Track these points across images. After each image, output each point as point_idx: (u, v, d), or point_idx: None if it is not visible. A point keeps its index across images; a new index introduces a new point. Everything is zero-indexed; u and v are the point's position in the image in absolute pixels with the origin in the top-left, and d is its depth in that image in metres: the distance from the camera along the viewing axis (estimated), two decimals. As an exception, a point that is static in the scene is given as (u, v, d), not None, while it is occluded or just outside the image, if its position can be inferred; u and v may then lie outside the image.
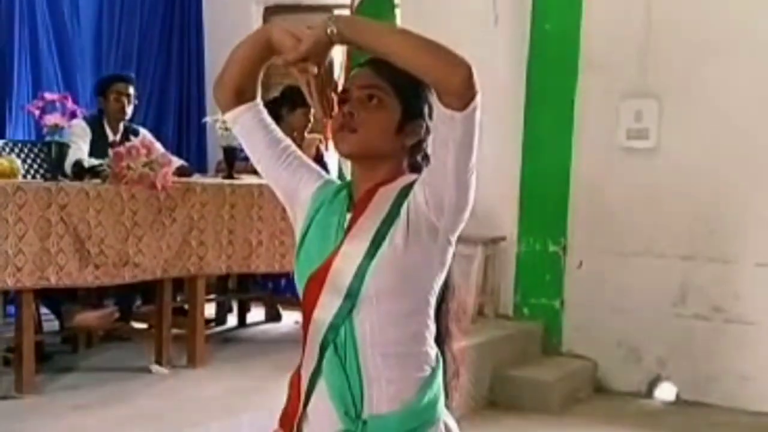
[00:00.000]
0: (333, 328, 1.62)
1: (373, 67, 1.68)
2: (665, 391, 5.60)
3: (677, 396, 5.55)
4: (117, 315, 4.67)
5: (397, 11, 5.99)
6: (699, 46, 5.47)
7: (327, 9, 6.96)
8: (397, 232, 1.60)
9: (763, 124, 5.33)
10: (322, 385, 1.65)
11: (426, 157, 1.71)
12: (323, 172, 1.80)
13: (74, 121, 4.92)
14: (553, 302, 5.98)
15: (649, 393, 5.63)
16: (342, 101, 1.67)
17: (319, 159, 5.64)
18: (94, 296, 4.64)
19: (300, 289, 1.69)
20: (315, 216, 1.71)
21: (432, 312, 1.67)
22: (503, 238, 6.13)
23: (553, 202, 5.98)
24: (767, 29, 5.30)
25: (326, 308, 1.63)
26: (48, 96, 4.79)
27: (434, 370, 1.66)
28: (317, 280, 1.64)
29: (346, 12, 6.06)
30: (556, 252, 5.97)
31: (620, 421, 5.13)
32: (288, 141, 1.80)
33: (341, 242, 1.64)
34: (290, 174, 1.77)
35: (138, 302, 5.03)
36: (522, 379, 5.34)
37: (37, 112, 4.67)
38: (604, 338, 5.77)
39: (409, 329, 1.63)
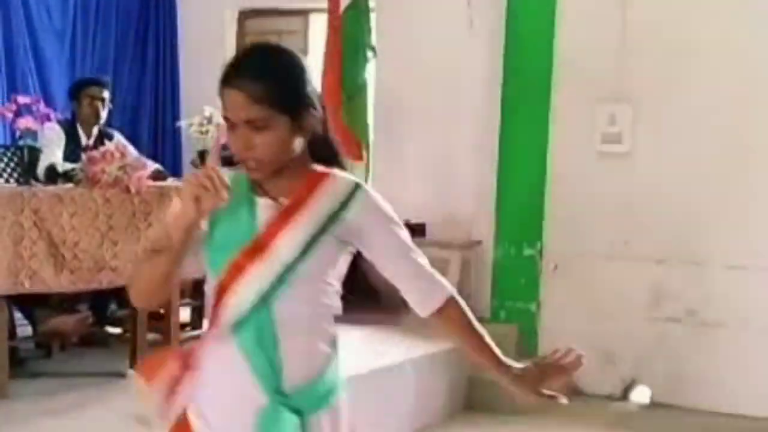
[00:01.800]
0: (259, 302, 1.74)
1: (247, 95, 1.70)
2: (640, 394, 5.63)
3: (651, 399, 5.59)
4: (91, 320, 4.64)
5: (373, 16, 6.00)
6: (673, 51, 5.51)
7: (302, 13, 6.97)
8: (328, 233, 1.77)
9: (734, 129, 5.38)
10: (238, 361, 1.74)
11: (327, 144, 1.88)
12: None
13: (47, 125, 4.89)
14: (529, 305, 6.00)
15: (623, 396, 5.66)
16: (231, 127, 1.74)
17: None
18: (68, 301, 4.61)
19: (219, 267, 1.76)
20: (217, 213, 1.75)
21: (335, 291, 1.84)
22: (479, 243, 6.15)
23: (528, 207, 6.00)
24: (740, 35, 5.35)
25: (257, 282, 1.74)
26: (21, 99, 4.76)
27: (336, 343, 1.87)
28: (249, 254, 1.74)
29: (324, 17, 6.05)
30: (532, 256, 5.99)
31: (595, 424, 5.14)
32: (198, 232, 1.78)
33: (275, 224, 1.75)
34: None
35: (113, 307, 4.99)
36: (497, 382, 5.34)
37: (9, 116, 4.63)
38: (579, 341, 5.72)
39: (318, 309, 1.81)
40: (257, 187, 1.79)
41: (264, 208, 1.78)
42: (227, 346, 1.76)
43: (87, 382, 4.14)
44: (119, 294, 4.71)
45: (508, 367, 1.89)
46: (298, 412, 1.76)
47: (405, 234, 1.89)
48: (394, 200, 6.68)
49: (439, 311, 1.88)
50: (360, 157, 5.69)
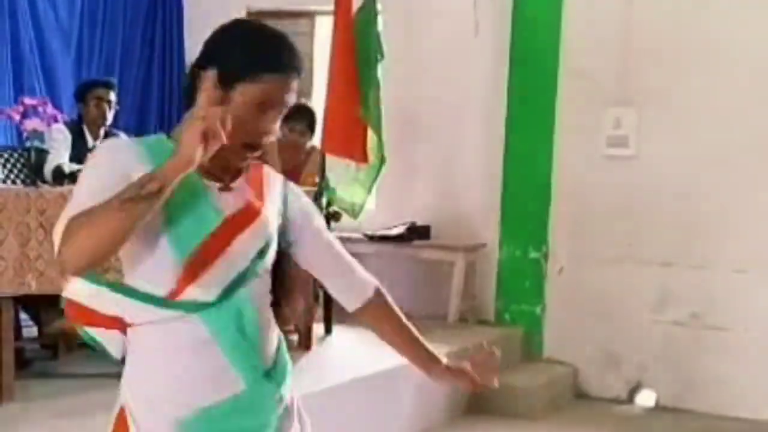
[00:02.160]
0: (224, 293, 1.68)
1: (294, 80, 1.72)
2: (645, 398, 5.63)
3: (657, 402, 5.59)
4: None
5: (380, 19, 5.99)
6: (678, 56, 5.52)
7: (309, 15, 6.98)
8: (277, 229, 1.80)
9: (740, 132, 5.39)
10: (213, 347, 1.67)
11: None
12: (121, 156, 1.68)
13: (54, 127, 4.90)
14: (534, 308, 6.00)
15: (629, 399, 5.67)
16: (264, 110, 1.70)
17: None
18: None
19: (182, 254, 1.64)
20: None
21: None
22: (484, 245, 6.15)
23: (533, 209, 6.01)
24: (744, 39, 5.36)
25: (223, 275, 1.68)
26: (28, 101, 4.78)
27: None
28: (214, 249, 1.66)
29: (330, 19, 6.06)
30: (537, 258, 5.99)
31: (601, 427, 5.15)
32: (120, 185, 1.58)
33: (239, 220, 1.70)
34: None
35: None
36: (503, 385, 5.25)
37: (17, 117, 4.65)
38: (585, 344, 5.80)
39: (268, 296, 1.81)
40: (205, 174, 1.69)
41: (219, 194, 1.71)
42: (191, 331, 1.66)
43: (93, 384, 4.14)
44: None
45: (439, 360, 1.93)
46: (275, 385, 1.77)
47: (330, 234, 1.93)
48: (400, 202, 6.72)
49: (367, 305, 1.91)
50: (365, 160, 5.65)
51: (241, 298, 1.70)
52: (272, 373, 1.76)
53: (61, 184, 4.38)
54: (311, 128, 5.61)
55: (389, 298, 1.94)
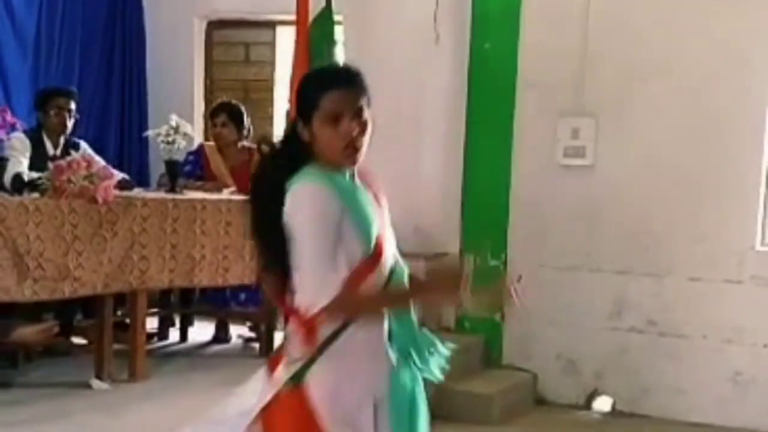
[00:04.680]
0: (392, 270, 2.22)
1: (357, 88, 2.20)
2: (602, 403, 5.70)
3: (613, 407, 5.67)
4: (57, 329, 4.60)
5: (338, 29, 6.03)
6: (634, 66, 5.62)
7: (270, 24, 7.00)
8: None
9: (695, 142, 5.49)
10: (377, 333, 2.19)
11: None
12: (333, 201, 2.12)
13: (13, 135, 4.87)
14: (493, 316, 6.05)
15: (587, 405, 5.74)
16: (335, 120, 2.12)
17: None
18: (33, 310, 4.58)
19: (373, 241, 2.15)
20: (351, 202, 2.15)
21: None
22: (445, 254, 6.19)
23: (493, 218, 6.06)
24: (701, 50, 5.46)
25: (385, 269, 2.20)
26: (-14, 109, 4.74)
27: None
28: (379, 250, 2.17)
29: (292, 29, 6.09)
30: (497, 266, 6.04)
31: (558, 432, 5.22)
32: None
33: (380, 213, 2.26)
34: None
35: (78, 316, 4.97)
36: (463, 392, 5.39)
37: (-25, 125, 4.61)
38: (544, 351, 5.86)
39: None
40: (352, 177, 2.22)
41: (368, 196, 2.23)
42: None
43: (52, 393, 4.12)
44: (85, 304, 4.71)
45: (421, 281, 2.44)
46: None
47: None
48: (360, 211, 6.52)
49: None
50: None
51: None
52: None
53: (20, 192, 4.35)
54: (234, 120, 5.65)
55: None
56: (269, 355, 4.85)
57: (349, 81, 2.19)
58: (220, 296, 5.59)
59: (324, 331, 2.08)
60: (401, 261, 2.26)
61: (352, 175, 2.21)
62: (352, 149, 2.15)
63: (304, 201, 2.08)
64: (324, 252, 2.07)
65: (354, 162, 2.18)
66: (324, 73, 2.32)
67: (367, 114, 2.18)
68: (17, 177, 4.59)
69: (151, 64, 7.14)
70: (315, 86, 2.17)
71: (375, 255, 2.13)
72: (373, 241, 2.13)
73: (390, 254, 2.20)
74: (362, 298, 2.12)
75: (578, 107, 5.76)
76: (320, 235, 2.07)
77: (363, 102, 2.18)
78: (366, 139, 2.18)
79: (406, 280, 2.24)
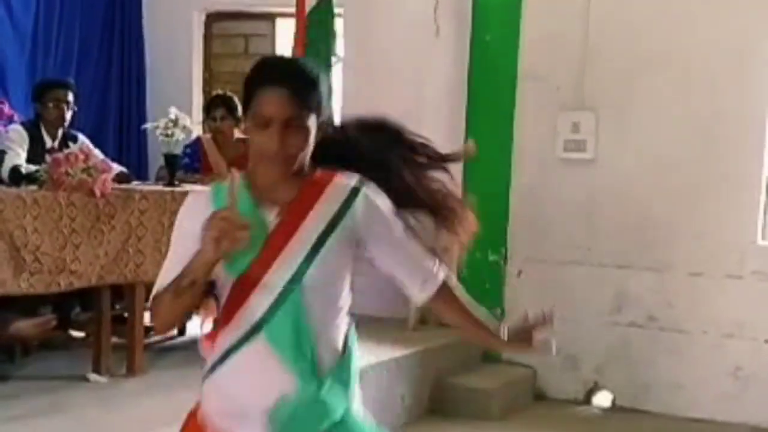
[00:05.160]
0: (274, 306, 1.86)
1: (290, 92, 1.83)
2: (602, 399, 5.69)
3: (613, 403, 5.65)
4: (54, 323, 4.59)
5: (338, 21, 6.01)
6: (635, 60, 5.59)
7: (269, 17, 6.97)
8: (333, 238, 1.89)
9: (697, 137, 5.47)
10: (266, 349, 1.85)
11: (335, 144, 1.99)
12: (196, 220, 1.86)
13: (11, 127, 4.85)
14: (493, 311, 6.01)
15: (586, 400, 5.72)
16: (264, 125, 1.83)
17: None
18: (30, 304, 4.56)
19: (235, 274, 1.87)
20: None
21: (349, 287, 1.99)
22: (445, 249, 6.16)
23: (493, 212, 6.04)
24: (701, 44, 5.44)
25: (272, 287, 1.86)
26: (-17, 101, 4.71)
27: (351, 337, 2.00)
28: (263, 262, 1.85)
29: (291, 21, 6.06)
30: (497, 261, 6.03)
31: (559, 427, 5.21)
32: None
33: (283, 230, 1.87)
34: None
35: (76, 310, 4.95)
36: (462, 387, 5.39)
37: (-28, 118, 4.59)
38: (543, 346, 5.83)
39: (337, 299, 1.95)
40: (258, 195, 1.90)
41: (270, 214, 1.89)
42: (254, 345, 1.86)
43: (50, 387, 4.10)
44: (83, 297, 4.69)
45: (499, 336, 2.12)
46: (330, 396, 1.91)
47: (401, 226, 2.02)
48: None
49: (434, 297, 2.04)
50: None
51: (291, 316, 1.86)
52: (327, 384, 1.91)
53: (17, 185, 4.33)
54: (232, 113, 5.63)
55: (455, 289, 2.10)
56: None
57: (291, 80, 1.84)
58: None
59: (211, 356, 1.95)
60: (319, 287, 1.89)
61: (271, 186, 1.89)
62: (279, 161, 1.84)
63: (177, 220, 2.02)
64: (168, 268, 1.90)
65: (279, 175, 1.87)
66: (265, 66, 1.91)
67: (309, 123, 1.84)
68: (15, 169, 4.57)
69: (150, 57, 7.11)
70: (252, 80, 1.88)
71: (246, 280, 1.87)
72: (241, 266, 1.85)
73: (277, 279, 1.85)
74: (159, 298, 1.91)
75: (579, 101, 5.73)
76: (172, 249, 1.95)
77: (303, 109, 1.83)
78: (302, 155, 1.86)
79: (306, 308, 1.88)
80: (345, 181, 1.93)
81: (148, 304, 1.97)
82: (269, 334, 1.85)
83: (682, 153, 5.50)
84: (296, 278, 1.85)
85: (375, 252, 1.99)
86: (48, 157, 4.31)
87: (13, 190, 4.04)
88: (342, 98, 6.32)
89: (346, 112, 6.40)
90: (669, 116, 5.53)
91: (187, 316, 2.02)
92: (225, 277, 1.89)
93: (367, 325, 5.96)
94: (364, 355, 2.08)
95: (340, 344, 1.95)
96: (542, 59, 5.83)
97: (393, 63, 6.28)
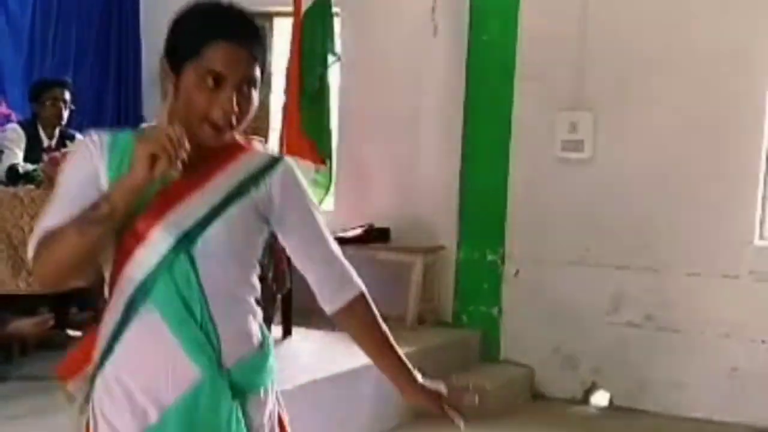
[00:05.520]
0: (161, 268, 1.63)
1: (249, 51, 1.64)
2: (600, 398, 5.69)
3: (611, 402, 5.65)
4: (52, 322, 4.58)
5: (336, 21, 6.00)
6: (633, 60, 5.60)
7: (266, 16, 6.95)
8: (236, 204, 1.68)
9: (693, 137, 5.47)
10: (163, 333, 1.62)
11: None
12: (91, 150, 1.68)
13: (8, 126, 4.85)
14: (491, 310, 6.04)
15: (584, 399, 5.73)
16: (214, 84, 1.62)
17: None
18: (28, 303, 4.55)
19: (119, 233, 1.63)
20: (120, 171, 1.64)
21: (256, 275, 1.76)
22: (443, 247, 6.18)
23: (491, 212, 6.05)
24: (700, 42, 5.45)
25: (157, 247, 1.63)
26: (-19, 101, 4.70)
27: (264, 327, 1.78)
28: (148, 218, 1.63)
29: (289, 21, 6.06)
30: (495, 261, 6.03)
31: (557, 427, 5.21)
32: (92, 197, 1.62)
33: (178, 189, 1.64)
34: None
35: (74, 309, 4.94)
36: (461, 387, 5.38)
37: (-30, 117, 4.58)
38: (541, 346, 5.85)
39: (244, 285, 1.72)
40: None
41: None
42: (146, 319, 1.63)
43: (48, 387, 4.08)
44: (81, 297, 4.67)
45: (414, 377, 1.83)
46: (236, 390, 1.67)
47: (322, 219, 1.80)
48: (358, 205, 6.74)
49: (347, 308, 1.79)
50: (322, 161, 5.70)
51: (184, 286, 1.63)
52: (236, 372, 1.68)
53: (15, 184, 4.32)
54: None
55: (371, 304, 1.83)
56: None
57: (251, 37, 1.65)
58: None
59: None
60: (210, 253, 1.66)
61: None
62: (222, 124, 1.62)
63: (67, 164, 1.71)
64: (57, 210, 1.61)
65: (216, 140, 1.65)
66: (218, 14, 1.67)
67: (256, 88, 1.66)
68: (12, 168, 4.56)
69: (147, 55, 7.09)
70: (202, 27, 1.65)
71: (131, 236, 1.62)
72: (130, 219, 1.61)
73: (166, 235, 1.62)
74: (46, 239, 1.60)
75: (577, 100, 5.74)
76: (63, 190, 1.65)
77: (258, 71, 1.65)
78: (245, 119, 1.65)
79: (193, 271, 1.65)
80: (264, 150, 1.77)
81: (30, 252, 1.62)
82: (155, 301, 1.62)
83: (680, 153, 5.50)
84: (187, 239, 1.62)
85: (286, 239, 1.77)
86: (45, 156, 4.30)
87: (11, 189, 4.03)
88: (339, 97, 6.32)
89: (345, 111, 6.42)
90: (667, 116, 5.53)
91: (80, 274, 1.62)
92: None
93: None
94: (362, 355, 1.87)
95: (253, 334, 1.72)
96: (540, 58, 5.83)
97: (391, 62, 6.28)
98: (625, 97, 5.65)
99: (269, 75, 6.97)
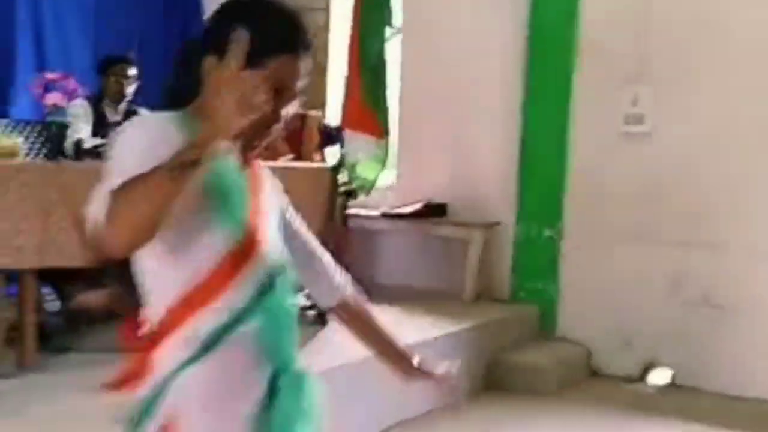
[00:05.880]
0: (259, 294, 1.58)
1: (310, 68, 1.60)
2: (659, 376, 5.65)
3: (672, 380, 5.60)
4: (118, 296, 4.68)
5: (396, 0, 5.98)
6: (695, 33, 5.49)
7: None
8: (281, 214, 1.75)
9: (758, 110, 5.36)
10: (249, 339, 1.57)
11: None
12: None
13: (75, 101, 4.94)
14: (548, 287, 6.03)
15: (641, 378, 5.69)
16: (276, 93, 1.55)
17: (328, 134, 5.71)
18: (96, 276, 4.64)
19: (237, 235, 1.56)
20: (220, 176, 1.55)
21: None
22: (500, 223, 6.17)
23: (549, 187, 6.01)
24: (762, 19, 5.31)
25: (271, 257, 1.61)
26: (49, 75, 4.81)
27: None
28: (255, 229, 1.60)
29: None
30: (552, 237, 6.01)
31: (614, 404, 5.18)
32: None
33: (257, 210, 1.63)
34: None
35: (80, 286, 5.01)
36: (518, 363, 5.39)
37: (38, 92, 4.68)
38: (599, 323, 5.82)
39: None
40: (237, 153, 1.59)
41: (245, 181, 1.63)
42: (237, 339, 1.57)
43: (115, 358, 4.18)
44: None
45: (410, 357, 1.91)
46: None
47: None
48: (415, 180, 6.72)
49: (347, 301, 1.88)
50: (381, 135, 5.69)
51: (274, 304, 1.61)
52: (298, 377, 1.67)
53: (81, 159, 4.43)
54: None
55: (363, 298, 1.92)
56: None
57: (309, 51, 1.59)
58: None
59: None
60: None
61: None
62: (263, 130, 1.56)
63: (127, 137, 1.51)
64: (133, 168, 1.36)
65: (254, 147, 1.59)
66: (299, 30, 1.58)
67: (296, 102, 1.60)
68: (78, 143, 4.66)
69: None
70: (284, 39, 1.55)
71: (246, 244, 1.56)
72: (243, 228, 1.57)
73: (272, 251, 1.62)
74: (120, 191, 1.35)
75: (638, 74, 5.65)
76: (136, 156, 1.41)
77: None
78: (277, 129, 1.59)
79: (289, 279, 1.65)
80: (260, 163, 1.72)
81: (98, 214, 1.40)
82: (262, 331, 1.58)
83: (741, 128, 5.38)
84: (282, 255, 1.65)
85: (288, 240, 1.76)
86: (111, 132, 4.39)
87: (78, 164, 4.12)
88: (401, 71, 6.32)
89: (404, 86, 6.41)
90: (729, 89, 5.41)
91: (152, 236, 1.38)
92: (216, 236, 1.53)
93: (422, 299, 6.01)
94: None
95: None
96: (603, 31, 5.75)
97: (449, 35, 6.25)
98: (686, 70, 5.54)
99: (326, 44, 6.99)
